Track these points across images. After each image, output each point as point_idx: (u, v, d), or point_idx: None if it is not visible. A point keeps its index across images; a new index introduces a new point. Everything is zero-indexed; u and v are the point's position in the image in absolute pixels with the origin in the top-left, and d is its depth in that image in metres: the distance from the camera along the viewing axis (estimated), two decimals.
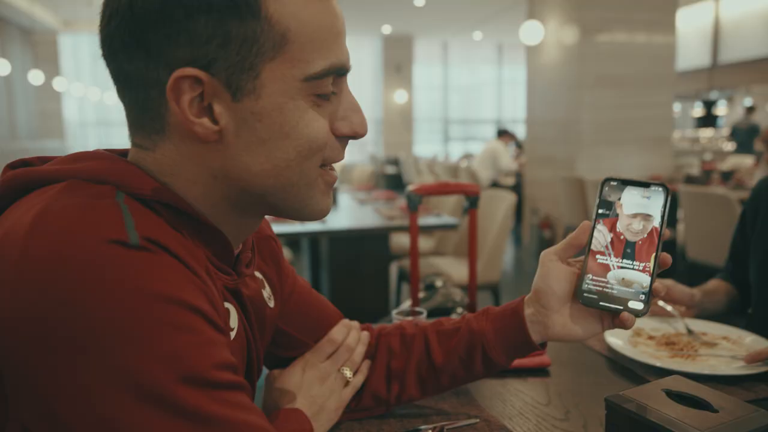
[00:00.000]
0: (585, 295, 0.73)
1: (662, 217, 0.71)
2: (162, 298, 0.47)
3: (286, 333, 0.84)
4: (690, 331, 1.15)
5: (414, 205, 1.44)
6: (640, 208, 0.71)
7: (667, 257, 0.71)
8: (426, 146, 14.35)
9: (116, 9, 0.53)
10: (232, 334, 0.63)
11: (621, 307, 0.71)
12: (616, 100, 5.42)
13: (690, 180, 4.71)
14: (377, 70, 13.66)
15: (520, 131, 11.08)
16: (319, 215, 0.64)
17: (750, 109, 9.00)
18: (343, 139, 0.62)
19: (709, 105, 11.85)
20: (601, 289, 0.72)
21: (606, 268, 0.72)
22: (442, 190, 1.56)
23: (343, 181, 6.70)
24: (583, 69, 5.32)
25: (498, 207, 3.09)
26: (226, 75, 0.53)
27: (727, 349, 1.09)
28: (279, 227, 2.74)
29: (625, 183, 0.73)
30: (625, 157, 5.48)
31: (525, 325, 0.78)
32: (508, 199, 3.07)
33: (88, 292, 0.45)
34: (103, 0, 0.55)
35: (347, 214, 3.28)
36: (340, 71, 0.59)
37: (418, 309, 1.04)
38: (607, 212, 0.73)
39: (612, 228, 0.73)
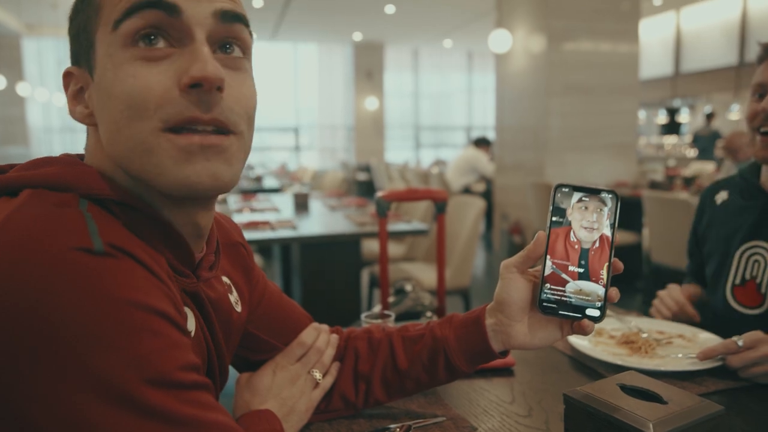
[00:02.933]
0: (544, 304, 0.74)
1: (612, 224, 0.72)
2: (127, 302, 0.48)
3: (257, 336, 0.85)
4: (642, 331, 1.20)
5: (383, 211, 1.46)
6: (589, 216, 0.72)
7: (618, 264, 0.73)
8: (397, 153, 14.41)
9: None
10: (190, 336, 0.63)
11: (579, 315, 0.72)
12: (583, 107, 5.54)
13: (654, 185, 4.83)
14: (348, 77, 13.69)
15: (490, 137, 11.23)
16: (182, 185, 0.56)
17: (710, 117, 9.27)
18: (191, 91, 0.55)
19: (672, 112, 12.17)
20: (559, 298, 0.73)
21: (565, 276, 0.73)
22: (410, 196, 1.59)
23: (315, 187, 6.70)
24: (551, 77, 5.43)
25: (467, 213, 3.14)
26: (84, 60, 0.59)
27: (682, 346, 1.14)
28: (250, 234, 2.73)
29: (576, 189, 0.73)
30: (592, 163, 5.60)
31: (486, 334, 0.80)
32: (477, 204, 3.12)
33: (54, 299, 0.45)
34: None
35: (318, 220, 3.29)
36: (152, 3, 0.54)
37: (386, 312, 1.06)
38: (561, 220, 0.74)
39: (566, 236, 0.73)
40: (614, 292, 0.73)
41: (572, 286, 0.73)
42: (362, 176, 10.98)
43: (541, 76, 5.53)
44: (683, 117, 12.13)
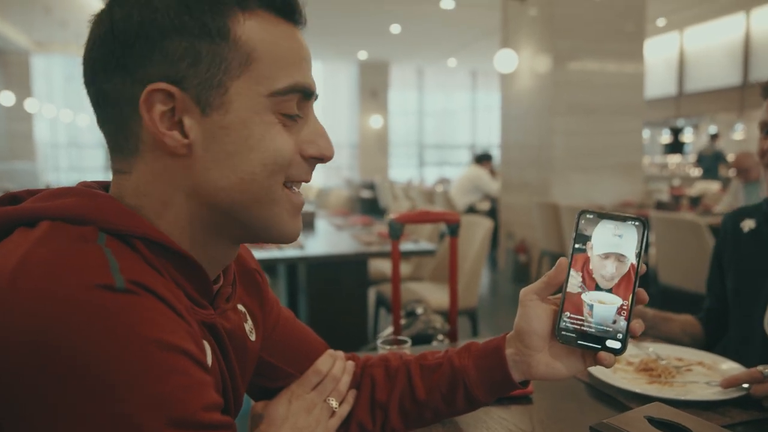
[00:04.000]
0: (563, 333, 0.72)
1: (638, 254, 0.69)
2: (150, 341, 0.47)
3: (271, 364, 0.84)
4: (661, 358, 1.18)
5: (396, 233, 1.45)
6: (612, 248, 0.70)
7: (643, 295, 0.70)
8: (401, 170, 14.44)
9: (99, 35, 0.57)
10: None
11: (599, 346, 0.70)
12: (588, 126, 5.55)
13: (660, 206, 4.82)
14: (353, 96, 13.78)
15: (494, 156, 11.24)
16: (290, 236, 0.64)
17: (714, 137, 9.29)
18: (311, 161, 0.63)
19: (676, 132, 12.19)
20: (578, 327, 0.71)
21: (584, 306, 0.71)
22: (423, 218, 1.58)
23: (320, 206, 6.71)
24: (556, 96, 5.45)
25: (475, 233, 3.12)
26: (197, 91, 0.56)
27: (703, 374, 1.12)
28: (256, 253, 2.72)
29: (601, 216, 0.71)
30: (598, 182, 5.60)
31: (506, 364, 0.77)
32: (485, 225, 3.10)
33: (76, 337, 0.45)
34: (89, 28, 0.59)
35: (324, 239, 3.28)
36: (304, 91, 0.61)
37: (402, 338, 1.05)
38: (584, 247, 0.71)
39: (588, 264, 0.71)
40: (638, 324, 0.70)
41: (593, 316, 0.70)
42: (366, 194, 11.00)
43: (546, 95, 5.55)
44: (687, 136, 12.15)
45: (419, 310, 1.71)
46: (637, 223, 0.69)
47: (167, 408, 0.46)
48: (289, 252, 2.72)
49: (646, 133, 11.32)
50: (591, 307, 0.70)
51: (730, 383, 1.01)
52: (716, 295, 1.42)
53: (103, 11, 0.58)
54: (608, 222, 0.70)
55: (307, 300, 2.85)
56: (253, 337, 0.76)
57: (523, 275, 5.77)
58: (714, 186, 7.13)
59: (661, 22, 9.70)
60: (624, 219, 0.70)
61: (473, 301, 3.10)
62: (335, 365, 0.87)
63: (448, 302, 2.96)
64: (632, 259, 0.69)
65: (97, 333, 0.45)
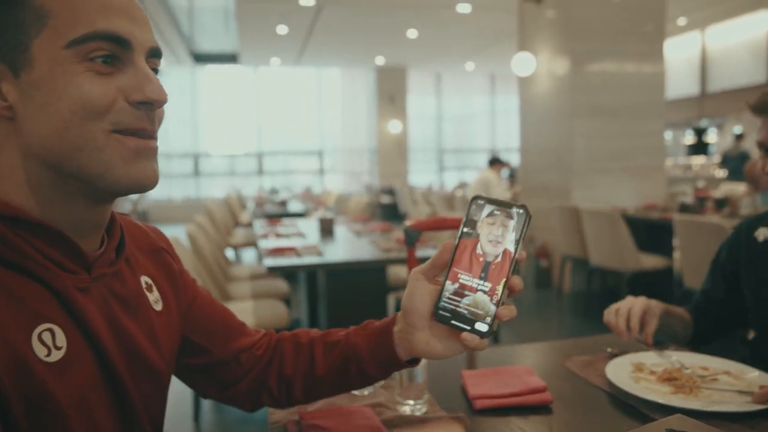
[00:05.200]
0: (440, 312, 0.73)
1: (517, 240, 0.70)
2: None
3: (189, 340, 0.87)
4: (685, 367, 1.15)
5: (411, 241, 1.44)
6: (494, 233, 0.71)
7: (514, 282, 0.72)
8: (421, 176, 14.43)
9: None
10: (59, 354, 0.61)
11: (468, 328, 0.71)
12: (608, 128, 5.49)
13: (684, 208, 4.73)
14: (371, 101, 13.81)
15: (514, 159, 11.15)
16: (129, 183, 0.64)
17: (739, 137, 9.12)
18: (140, 106, 0.64)
19: (699, 132, 11.99)
20: (454, 308, 0.73)
21: (465, 289, 0.72)
22: (438, 225, 1.57)
23: (339, 211, 6.71)
24: (575, 99, 5.40)
25: None
26: (6, 58, 0.61)
27: (729, 384, 1.09)
28: (276, 260, 2.73)
29: (489, 202, 0.73)
30: (619, 185, 5.52)
31: (393, 342, 0.82)
32: None
33: None
34: None
35: (343, 246, 3.28)
36: (112, 37, 0.62)
37: None
38: (471, 231, 0.73)
39: (473, 248, 0.72)
40: (505, 310, 0.71)
41: (468, 298, 0.72)
42: (386, 199, 11.00)
43: (565, 98, 5.50)
44: (711, 137, 11.95)
45: None
46: (520, 211, 0.71)
47: None
48: (308, 259, 2.73)
49: (668, 135, 11.17)
50: (469, 290, 0.72)
51: (763, 397, 0.97)
52: (711, 298, 1.40)
53: None
54: (495, 208, 0.72)
55: (327, 306, 2.85)
56: (158, 307, 0.79)
57: (544, 280, 5.71)
58: (740, 188, 6.98)
59: (681, 21, 9.57)
60: (509, 206, 0.72)
61: None
62: None
63: None
64: (509, 245, 0.71)
65: None
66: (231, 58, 12.21)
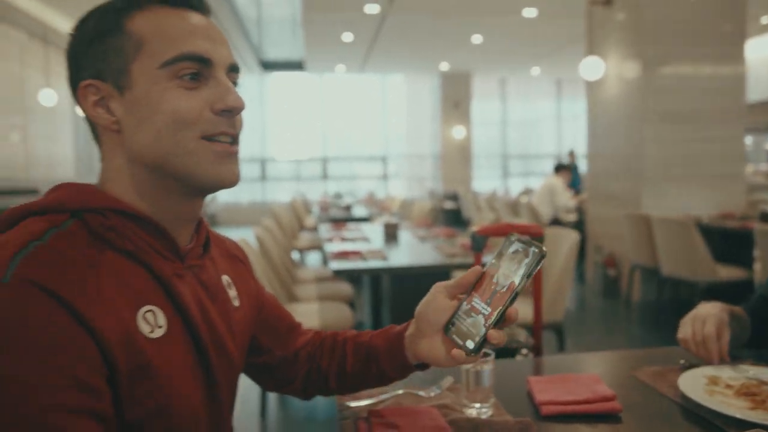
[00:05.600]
0: (448, 326, 0.83)
1: (523, 276, 0.76)
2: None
3: (257, 339, 0.97)
4: (765, 383, 1.10)
5: (479, 246, 1.45)
6: (513, 265, 0.78)
7: (510, 313, 0.78)
8: (484, 181, 14.30)
9: (66, 60, 0.76)
10: (160, 332, 0.70)
11: (461, 343, 0.79)
12: (682, 134, 5.28)
13: (765, 217, 4.49)
14: (435, 107, 13.81)
15: (581, 166, 10.88)
16: (214, 181, 0.74)
17: None
18: (224, 113, 0.74)
19: None
20: (459, 325, 0.81)
21: (473, 310, 0.80)
22: (505, 231, 1.56)
23: (403, 216, 6.75)
24: (646, 103, 5.23)
25: (561, 246, 3.05)
26: (112, 79, 0.72)
27: None
28: (341, 264, 2.79)
29: (519, 240, 0.80)
30: (693, 193, 5.30)
31: (403, 348, 0.90)
32: (572, 237, 3.02)
33: None
34: None
35: (408, 250, 3.31)
36: (196, 58, 0.72)
37: (485, 351, 1.05)
38: (496, 263, 0.81)
39: (492, 277, 0.80)
40: (495, 334, 0.77)
41: (472, 319, 0.80)
42: (449, 205, 10.96)
43: (635, 102, 5.33)
44: None
45: None
46: (535, 251, 0.77)
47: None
48: (373, 263, 2.77)
49: (748, 140, 10.61)
50: (475, 312, 0.80)
51: None
52: None
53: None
54: (520, 246, 0.79)
55: (390, 310, 2.88)
56: (236, 303, 0.88)
57: (612, 290, 5.55)
58: None
59: (765, 20, 9.09)
60: (529, 245, 0.78)
61: (559, 316, 3.02)
62: None
63: (531, 315, 2.90)
64: (516, 278, 0.77)
65: None
66: (297, 65, 12.53)
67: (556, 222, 6.51)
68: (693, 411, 1.05)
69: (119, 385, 0.63)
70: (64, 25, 8.46)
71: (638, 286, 5.35)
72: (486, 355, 1.04)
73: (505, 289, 0.77)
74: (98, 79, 0.73)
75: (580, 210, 6.67)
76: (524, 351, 1.64)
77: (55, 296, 0.59)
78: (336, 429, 1.02)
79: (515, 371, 1.29)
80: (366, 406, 1.06)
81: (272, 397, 3.16)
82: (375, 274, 3.35)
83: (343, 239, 3.79)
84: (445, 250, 3.13)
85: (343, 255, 2.97)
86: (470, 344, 0.78)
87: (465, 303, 0.82)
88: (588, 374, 1.20)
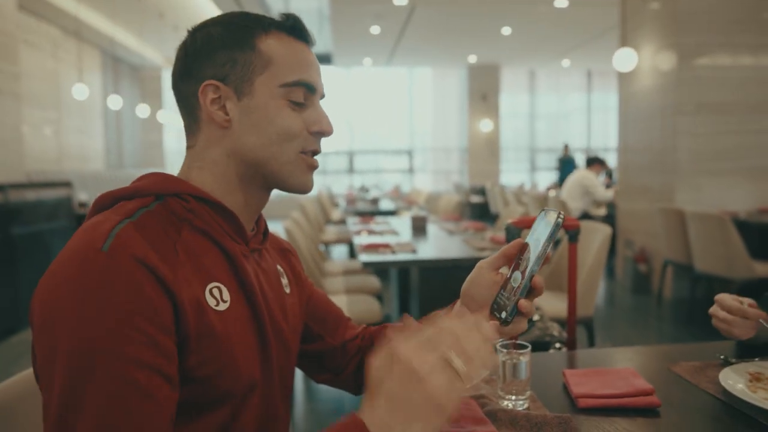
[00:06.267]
0: (493, 304, 0.83)
1: (546, 241, 0.77)
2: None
3: (308, 327, 1.03)
4: None
5: (513, 238, 1.43)
6: (536, 234, 0.80)
7: (537, 283, 0.79)
8: (512, 175, 14.17)
9: (179, 54, 0.85)
10: (225, 305, 0.77)
11: (497, 315, 0.80)
12: (718, 127, 5.15)
13: None
14: (463, 99, 13.72)
15: (611, 159, 10.71)
16: (300, 187, 0.86)
17: None
18: (317, 134, 0.86)
19: None
20: (498, 299, 0.82)
21: (510, 283, 0.81)
22: None
23: (430, 210, 6.72)
24: (681, 95, 5.11)
25: (593, 240, 3.00)
26: (234, 84, 0.82)
27: None
28: (370, 257, 2.79)
29: (545, 210, 0.81)
30: (730, 187, 5.17)
31: None
32: (604, 231, 2.98)
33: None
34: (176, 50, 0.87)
35: (436, 244, 3.29)
36: (308, 86, 0.85)
37: (522, 342, 1.04)
38: (533, 238, 0.81)
39: (527, 250, 0.81)
40: (525, 304, 0.78)
41: (508, 291, 0.80)
42: (476, 199, 10.90)
43: (669, 94, 5.22)
44: None
45: (536, 317, 1.67)
46: (557, 217, 0.78)
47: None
48: (402, 255, 2.77)
49: None
50: (514, 282, 0.81)
51: None
52: None
53: (183, 40, 0.85)
54: (545, 214, 0.80)
55: (419, 302, 2.87)
56: (288, 291, 0.95)
57: (643, 286, 5.46)
58: None
59: None
60: (549, 212, 0.80)
61: (590, 310, 2.99)
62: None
63: (563, 310, 2.88)
64: (540, 245, 0.78)
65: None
66: (324, 58, 12.55)
67: (585, 216, 6.41)
68: (735, 407, 1.02)
69: (189, 345, 0.72)
70: (97, 21, 8.60)
71: (670, 282, 5.25)
72: (523, 347, 1.03)
73: (532, 258, 0.78)
74: (221, 81, 0.82)
75: (610, 204, 6.56)
76: (557, 345, 1.62)
77: (145, 264, 0.68)
78: None
79: (549, 364, 1.27)
80: None
81: (299, 389, 3.18)
82: (403, 267, 3.35)
83: (371, 232, 3.80)
84: (474, 244, 3.11)
85: (372, 247, 2.98)
86: (503, 314, 0.79)
87: (509, 276, 0.82)
88: (624, 368, 1.18)
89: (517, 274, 0.80)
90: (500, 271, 0.86)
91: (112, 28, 8.89)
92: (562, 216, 0.78)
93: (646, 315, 4.87)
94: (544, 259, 0.78)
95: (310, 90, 0.86)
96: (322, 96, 0.90)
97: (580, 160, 14.48)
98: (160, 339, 0.67)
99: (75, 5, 7.69)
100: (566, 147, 12.23)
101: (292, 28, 0.86)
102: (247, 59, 0.82)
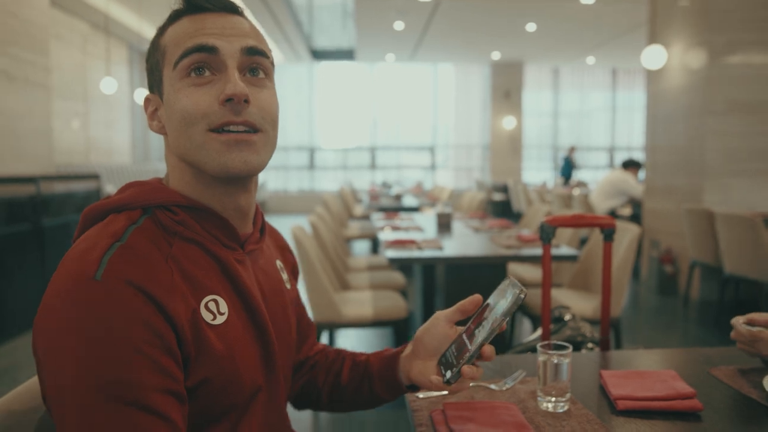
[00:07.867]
0: (441, 356, 0.86)
1: (503, 314, 0.78)
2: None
3: None
4: None
5: (548, 237, 1.42)
6: (497, 305, 0.80)
7: (486, 351, 0.80)
8: (534, 173, 14.05)
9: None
10: (222, 318, 0.76)
11: (443, 371, 0.83)
12: (750, 126, 5.05)
13: None
14: (485, 96, 13.64)
15: (637, 159, 10.56)
16: (220, 170, 0.76)
17: None
18: (226, 103, 0.75)
19: None
20: (447, 354, 0.85)
21: (461, 342, 0.83)
22: (576, 222, 1.53)
23: (454, 207, 6.70)
24: (711, 94, 5.02)
25: (621, 239, 2.97)
26: (157, 90, 0.81)
27: None
28: (396, 252, 2.79)
29: (510, 282, 0.82)
30: (761, 188, 5.07)
31: (397, 367, 0.95)
32: (633, 231, 2.94)
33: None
34: None
35: (462, 241, 3.28)
36: (199, 48, 0.75)
37: (562, 343, 1.02)
38: (492, 301, 0.83)
39: (483, 312, 0.82)
40: (468, 369, 0.80)
41: (457, 350, 0.82)
42: (498, 196, 10.83)
43: (699, 93, 5.13)
44: None
45: (567, 317, 1.66)
46: (516, 291, 0.78)
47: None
48: (427, 252, 2.76)
49: None
50: (464, 343, 0.83)
51: None
52: None
53: None
54: (509, 285, 0.81)
55: (445, 300, 2.87)
56: (288, 286, 0.95)
57: (669, 287, 5.38)
58: None
59: None
60: (515, 286, 0.80)
61: (617, 311, 2.95)
62: None
63: (589, 309, 2.85)
64: (497, 314, 0.79)
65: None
66: (348, 54, 12.56)
67: (612, 215, 6.34)
68: None
69: (190, 365, 0.71)
70: (125, 16, 8.70)
71: (698, 284, 5.17)
72: (563, 348, 1.02)
73: (488, 326, 0.79)
74: (152, 92, 0.82)
75: (636, 204, 6.48)
76: (590, 345, 1.60)
77: (140, 289, 0.67)
78: (409, 419, 1.02)
79: (583, 365, 1.26)
80: (437, 397, 1.05)
81: None
82: (429, 264, 3.34)
83: (396, 228, 3.79)
84: (500, 242, 3.09)
85: (398, 244, 2.97)
86: (448, 374, 0.81)
87: (462, 333, 0.84)
88: (664, 370, 1.16)
89: (471, 337, 0.81)
90: (455, 325, 0.89)
91: (139, 23, 8.99)
92: (524, 294, 0.78)
93: (672, 316, 4.80)
94: (498, 330, 0.78)
95: (207, 51, 0.75)
96: (251, 52, 0.78)
97: (602, 159, 14.31)
98: (164, 361, 0.67)
99: (105, 1, 7.79)
100: (572, 148, 12.56)
101: (191, 4, 0.79)
102: (156, 61, 0.80)
